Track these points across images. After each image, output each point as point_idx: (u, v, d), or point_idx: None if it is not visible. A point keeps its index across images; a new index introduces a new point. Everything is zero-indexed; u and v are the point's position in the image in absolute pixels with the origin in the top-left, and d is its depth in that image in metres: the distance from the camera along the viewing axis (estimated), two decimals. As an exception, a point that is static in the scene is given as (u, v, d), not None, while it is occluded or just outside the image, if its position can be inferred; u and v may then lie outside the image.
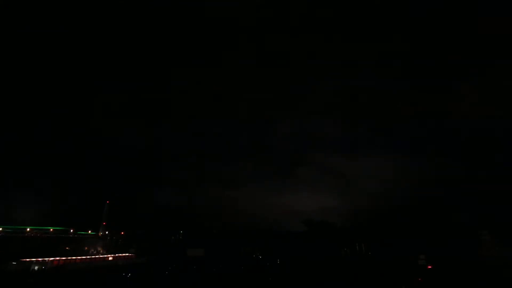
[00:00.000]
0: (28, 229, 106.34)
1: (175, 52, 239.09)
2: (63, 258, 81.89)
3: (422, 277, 64.49)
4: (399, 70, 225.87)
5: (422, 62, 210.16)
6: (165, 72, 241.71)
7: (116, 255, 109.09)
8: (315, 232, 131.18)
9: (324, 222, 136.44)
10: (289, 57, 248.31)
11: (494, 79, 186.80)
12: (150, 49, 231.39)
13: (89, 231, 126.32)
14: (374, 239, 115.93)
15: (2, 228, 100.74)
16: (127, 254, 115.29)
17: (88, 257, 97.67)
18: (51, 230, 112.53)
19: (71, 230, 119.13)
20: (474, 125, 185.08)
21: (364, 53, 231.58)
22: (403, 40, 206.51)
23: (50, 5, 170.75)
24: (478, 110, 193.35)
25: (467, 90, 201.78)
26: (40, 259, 73.09)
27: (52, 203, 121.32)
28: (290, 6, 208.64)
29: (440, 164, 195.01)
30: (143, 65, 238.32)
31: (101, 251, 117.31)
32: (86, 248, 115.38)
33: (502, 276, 59.92)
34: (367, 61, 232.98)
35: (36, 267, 69.87)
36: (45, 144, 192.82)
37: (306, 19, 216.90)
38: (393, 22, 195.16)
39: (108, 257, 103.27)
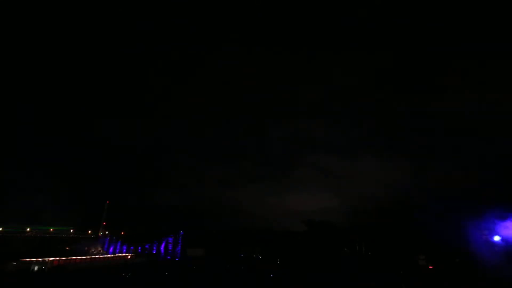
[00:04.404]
0: (28, 229, 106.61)
1: (175, 52, 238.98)
2: (63, 258, 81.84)
3: (422, 277, 64.56)
4: (398, 70, 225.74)
5: (422, 61, 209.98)
6: (164, 73, 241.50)
7: (116, 255, 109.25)
8: (315, 232, 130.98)
9: (324, 222, 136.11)
10: (288, 58, 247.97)
11: (494, 79, 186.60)
12: (150, 48, 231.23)
13: (89, 231, 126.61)
14: (374, 239, 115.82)
15: (2, 228, 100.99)
16: (127, 254, 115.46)
17: (88, 257, 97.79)
18: (51, 230, 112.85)
19: (71, 230, 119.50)
20: (473, 125, 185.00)
21: (363, 54, 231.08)
22: (403, 39, 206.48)
23: (50, 5, 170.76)
24: (478, 110, 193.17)
25: (466, 89, 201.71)
26: (40, 259, 73.04)
27: (52, 203, 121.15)
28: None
29: (440, 164, 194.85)
30: (143, 65, 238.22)
31: (101, 251, 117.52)
32: (86, 248, 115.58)
33: (502, 276, 59.92)
34: (366, 62, 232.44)
35: (36, 267, 69.82)
36: (45, 144, 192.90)
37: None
38: (393, 22, 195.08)
39: (108, 257, 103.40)
